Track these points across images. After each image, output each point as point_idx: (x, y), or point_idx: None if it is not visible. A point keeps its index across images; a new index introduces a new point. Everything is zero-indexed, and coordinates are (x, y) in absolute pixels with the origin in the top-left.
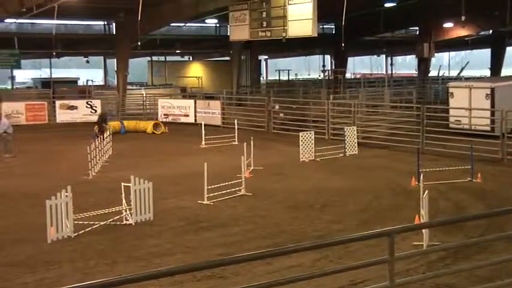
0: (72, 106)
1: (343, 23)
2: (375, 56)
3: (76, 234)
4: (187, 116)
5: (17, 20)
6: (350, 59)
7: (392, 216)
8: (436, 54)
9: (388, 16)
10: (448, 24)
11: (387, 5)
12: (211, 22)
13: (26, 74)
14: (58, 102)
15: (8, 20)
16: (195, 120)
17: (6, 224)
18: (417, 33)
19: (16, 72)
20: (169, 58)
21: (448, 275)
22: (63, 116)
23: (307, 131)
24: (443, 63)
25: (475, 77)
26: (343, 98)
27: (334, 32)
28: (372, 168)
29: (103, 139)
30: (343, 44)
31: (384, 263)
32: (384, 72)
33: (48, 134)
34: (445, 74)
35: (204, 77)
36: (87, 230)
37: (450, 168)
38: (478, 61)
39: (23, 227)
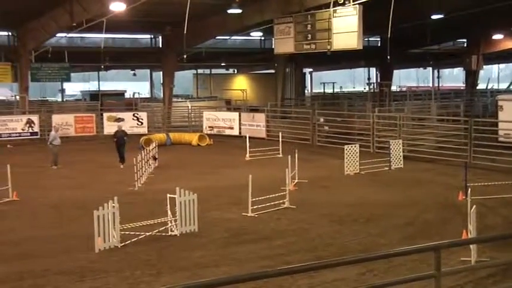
0: (119, 118)
1: (389, 36)
2: (421, 69)
3: (122, 244)
4: (232, 128)
5: (67, 34)
6: (396, 72)
7: (439, 231)
8: (484, 66)
9: (435, 28)
10: (497, 36)
11: (434, 17)
12: (256, 35)
13: (75, 87)
14: (105, 115)
15: (59, 35)
16: (240, 132)
17: (57, 233)
18: (465, 45)
19: (66, 85)
20: (214, 71)
21: None
22: (110, 128)
23: (352, 144)
24: (492, 76)
25: None
26: (389, 111)
27: (379, 45)
28: (418, 182)
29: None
30: (388, 57)
31: (431, 278)
32: (431, 85)
33: (96, 146)
34: (494, 87)
35: (248, 90)
36: (133, 240)
37: (499, 182)
38: None
39: (72, 237)
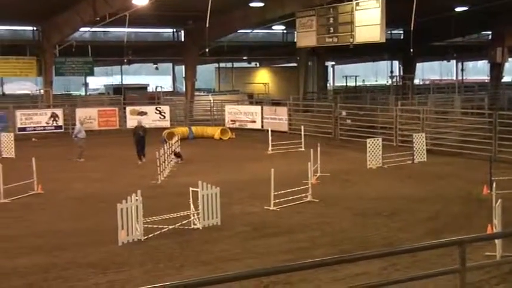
0: (142, 112)
1: (412, 28)
2: (445, 62)
3: (146, 237)
4: (254, 122)
5: (91, 28)
6: (419, 65)
7: (463, 225)
8: (509, 59)
9: (459, 21)
10: None
11: (458, 9)
12: (278, 28)
13: (98, 81)
14: (128, 108)
15: (82, 29)
16: (262, 126)
17: (81, 226)
18: (490, 37)
19: (89, 79)
20: (236, 64)
21: None
22: (133, 121)
23: (374, 137)
24: None
25: None
26: (412, 105)
27: (402, 38)
28: (442, 176)
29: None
30: (411, 50)
31: (455, 273)
32: (454, 78)
33: (119, 139)
34: None
35: (270, 83)
36: (156, 233)
37: None
38: None
39: (96, 229)
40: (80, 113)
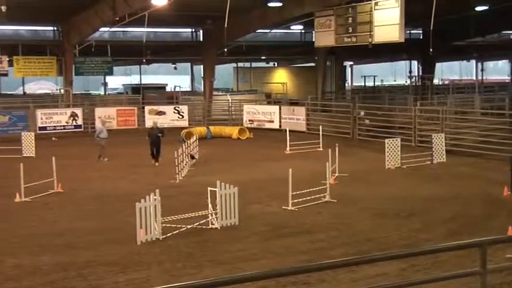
0: (161, 111)
1: (431, 28)
2: (465, 61)
3: (164, 236)
4: (272, 122)
5: (110, 28)
6: (438, 65)
7: (483, 227)
8: None
9: (480, 20)
10: None
11: (479, 8)
12: (297, 28)
13: (117, 81)
14: (147, 108)
15: (102, 29)
16: (280, 126)
17: (100, 225)
18: (510, 37)
19: (108, 78)
20: (254, 64)
21: None
22: (151, 121)
23: (393, 137)
24: None
25: None
26: (431, 105)
27: (421, 37)
28: (461, 177)
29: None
30: (431, 50)
31: (475, 275)
32: (474, 78)
33: (137, 139)
34: None
35: (288, 83)
36: (174, 232)
37: None
38: None
39: (115, 228)
40: (99, 112)
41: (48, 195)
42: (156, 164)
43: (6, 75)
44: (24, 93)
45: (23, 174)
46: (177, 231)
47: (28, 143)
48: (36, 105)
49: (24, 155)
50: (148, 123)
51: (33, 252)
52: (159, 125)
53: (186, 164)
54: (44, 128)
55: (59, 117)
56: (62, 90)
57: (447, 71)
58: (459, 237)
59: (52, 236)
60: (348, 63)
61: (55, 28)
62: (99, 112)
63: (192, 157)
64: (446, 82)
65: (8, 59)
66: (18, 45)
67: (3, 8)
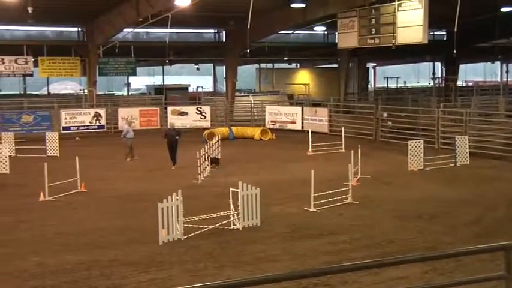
0: (183, 112)
1: (455, 29)
2: (489, 63)
3: (186, 236)
4: (294, 123)
5: (133, 29)
6: (462, 66)
7: (507, 230)
8: None
9: (505, 21)
10: None
11: (504, 9)
12: (319, 29)
13: (140, 81)
14: (170, 108)
15: (125, 30)
16: (302, 127)
17: (122, 224)
18: None
19: (131, 79)
20: (277, 65)
21: None
22: (174, 121)
23: (416, 139)
24: None
25: None
26: (454, 106)
27: (445, 39)
28: (485, 179)
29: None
30: (455, 51)
31: (499, 279)
32: (499, 80)
33: (160, 139)
34: None
35: (311, 84)
36: (196, 233)
37: None
38: None
39: (137, 228)
40: (122, 112)
41: (72, 195)
42: (173, 167)
43: (31, 75)
44: (49, 93)
45: (47, 173)
46: (199, 231)
47: (52, 143)
48: (60, 105)
49: (48, 155)
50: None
51: (57, 251)
52: (180, 125)
53: (208, 165)
54: (68, 128)
55: (83, 117)
56: (86, 91)
57: (471, 73)
58: (483, 240)
59: (75, 235)
60: (370, 65)
61: (79, 29)
62: (122, 112)
63: (214, 161)
64: (470, 84)
65: (33, 59)
66: (44, 46)
67: (30, 10)
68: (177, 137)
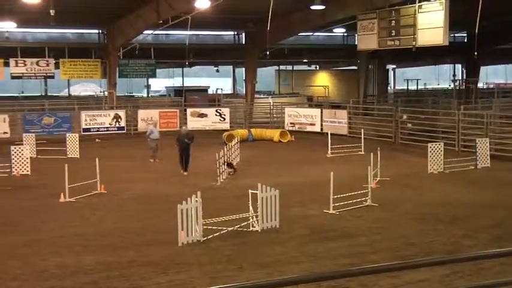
0: (202, 114)
1: (476, 31)
2: (510, 65)
3: (205, 238)
4: (314, 125)
5: (153, 31)
6: (483, 68)
7: None
8: None
9: None
10: None
11: None
12: (339, 31)
13: (160, 83)
14: (189, 110)
15: (145, 32)
16: (321, 129)
17: (143, 225)
18: None
19: (151, 81)
20: (296, 67)
21: None
22: (193, 123)
23: (436, 142)
24: None
25: None
26: (475, 109)
27: (466, 41)
28: (506, 182)
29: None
30: (475, 53)
31: None
32: None
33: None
34: None
35: (330, 86)
36: (215, 235)
37: None
38: None
39: (156, 230)
40: (142, 114)
41: (92, 196)
42: (185, 173)
43: (52, 77)
44: (69, 95)
45: (67, 174)
46: (218, 233)
47: (72, 144)
48: (81, 107)
49: (69, 156)
50: (191, 126)
51: (77, 251)
52: (201, 127)
53: (226, 168)
54: (88, 130)
55: (103, 119)
56: (106, 92)
57: (492, 75)
58: (503, 243)
59: (95, 236)
60: (390, 67)
61: (100, 31)
62: (142, 114)
63: (230, 166)
64: (491, 86)
65: (54, 61)
66: (65, 48)
67: (52, 12)
68: (189, 142)
